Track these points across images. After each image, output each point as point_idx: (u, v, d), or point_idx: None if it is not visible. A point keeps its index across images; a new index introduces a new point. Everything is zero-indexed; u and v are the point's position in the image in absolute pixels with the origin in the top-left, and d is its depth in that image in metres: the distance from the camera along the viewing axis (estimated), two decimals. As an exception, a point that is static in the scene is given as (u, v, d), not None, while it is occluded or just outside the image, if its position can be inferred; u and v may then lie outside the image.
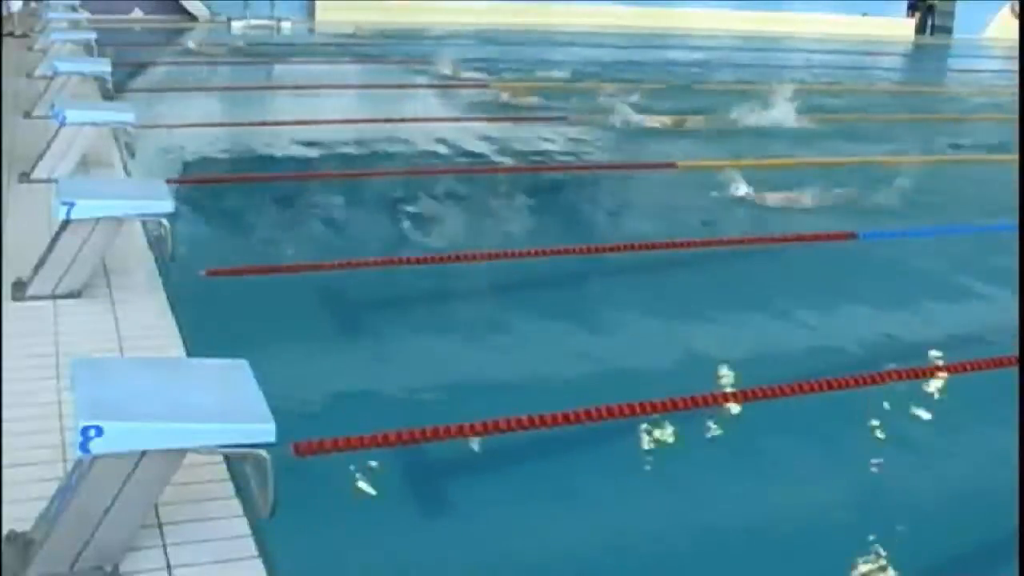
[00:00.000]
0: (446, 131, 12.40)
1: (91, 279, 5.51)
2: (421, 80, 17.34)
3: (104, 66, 10.59)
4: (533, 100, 14.99)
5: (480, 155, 11.27)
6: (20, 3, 17.65)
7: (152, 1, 26.18)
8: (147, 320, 5.22)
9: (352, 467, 4.42)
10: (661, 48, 25.17)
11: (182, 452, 3.11)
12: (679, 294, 7.17)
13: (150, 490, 3.12)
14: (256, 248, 7.56)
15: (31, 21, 17.39)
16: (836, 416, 5.24)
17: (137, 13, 26.00)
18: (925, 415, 5.39)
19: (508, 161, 11.15)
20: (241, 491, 3.51)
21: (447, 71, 17.46)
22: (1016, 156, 10.44)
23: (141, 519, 3.16)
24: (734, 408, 5.22)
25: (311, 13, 28.15)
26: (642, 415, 5.04)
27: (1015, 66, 20.10)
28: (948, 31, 34.05)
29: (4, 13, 16.63)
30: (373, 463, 4.47)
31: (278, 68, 18.75)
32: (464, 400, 5.18)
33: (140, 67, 16.35)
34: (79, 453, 2.95)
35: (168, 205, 5.44)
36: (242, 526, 3.38)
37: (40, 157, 7.84)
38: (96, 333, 4.99)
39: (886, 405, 5.40)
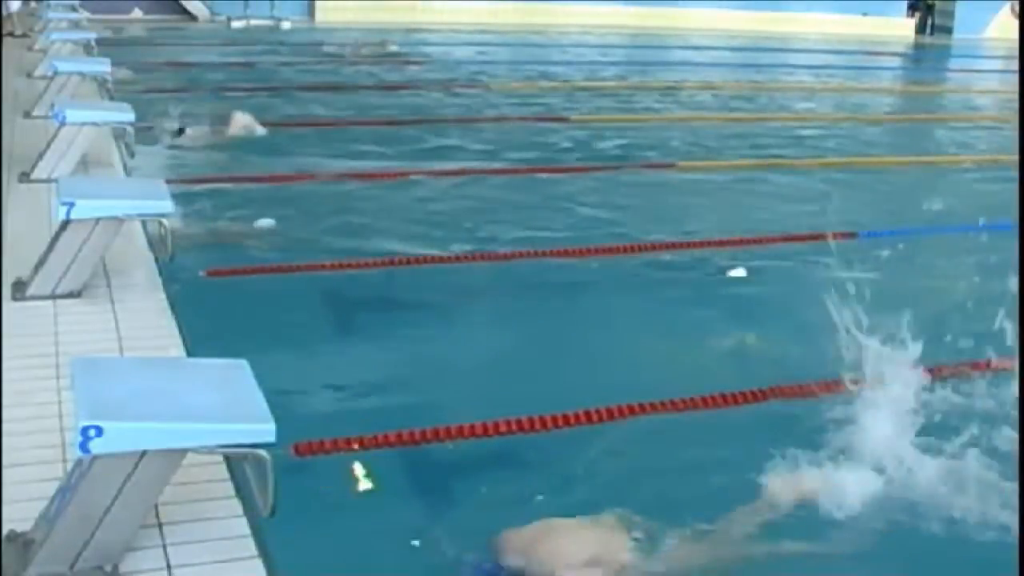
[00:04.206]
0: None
1: (91, 279, 5.51)
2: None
3: (104, 66, 10.58)
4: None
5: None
6: (20, 3, 17.63)
7: (152, 1, 26.17)
8: (147, 320, 5.23)
9: (352, 467, 4.43)
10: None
11: (182, 452, 3.11)
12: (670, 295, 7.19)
13: (150, 490, 3.12)
14: (256, 248, 7.55)
15: (31, 21, 17.38)
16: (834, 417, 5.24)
17: (137, 13, 25.99)
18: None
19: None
20: (241, 491, 3.51)
21: None
22: (1016, 156, 10.45)
23: (141, 519, 3.16)
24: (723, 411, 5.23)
25: (311, 13, 28.15)
26: (639, 416, 5.05)
27: (1015, 66, 20.10)
28: (948, 31, 34.01)
29: (4, 13, 16.62)
30: (373, 463, 4.48)
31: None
32: (464, 400, 5.18)
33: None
34: (79, 453, 2.95)
35: (168, 205, 5.44)
36: (242, 526, 3.39)
37: (40, 157, 7.84)
38: (96, 333, 4.99)
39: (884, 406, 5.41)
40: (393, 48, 21.12)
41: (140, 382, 3.26)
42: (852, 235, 8.42)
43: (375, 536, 3.99)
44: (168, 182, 5.98)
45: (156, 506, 3.27)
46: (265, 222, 8.18)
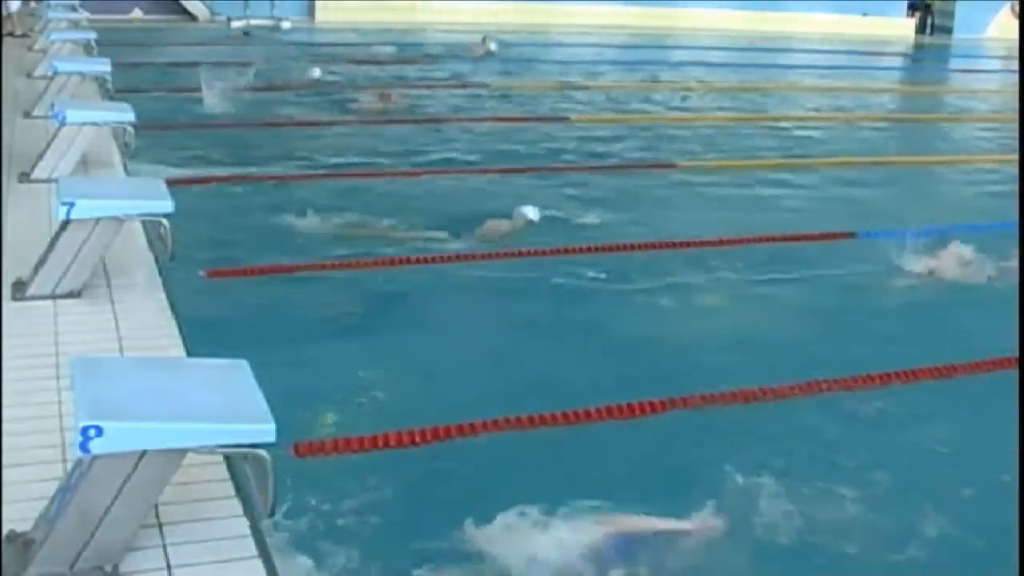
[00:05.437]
0: None
1: (91, 279, 5.50)
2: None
3: (104, 66, 10.58)
4: None
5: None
6: (20, 3, 17.62)
7: (152, 1, 26.16)
8: (147, 320, 5.22)
9: (352, 467, 4.43)
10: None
11: (182, 452, 3.11)
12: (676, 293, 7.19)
13: (150, 490, 3.12)
14: (256, 248, 7.55)
15: (31, 21, 17.37)
16: (836, 418, 5.26)
17: (137, 13, 25.99)
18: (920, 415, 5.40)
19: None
20: (241, 491, 3.51)
21: None
22: (1016, 156, 10.46)
23: (141, 519, 3.16)
24: (729, 409, 5.23)
25: (311, 13, 28.16)
26: (640, 415, 5.05)
27: (1015, 66, 20.11)
28: (948, 31, 34.02)
29: (4, 13, 16.61)
30: (373, 463, 4.48)
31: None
32: (464, 400, 5.17)
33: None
34: (79, 453, 2.95)
35: (168, 205, 5.43)
36: (242, 526, 3.38)
37: (40, 157, 7.83)
38: (96, 333, 4.99)
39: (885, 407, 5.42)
40: (492, 47, 21.35)
41: (140, 382, 3.25)
42: (852, 235, 8.44)
43: (374, 536, 3.99)
44: (169, 182, 5.97)
45: (156, 506, 3.27)
46: (528, 211, 8.21)
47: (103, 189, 6.01)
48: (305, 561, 3.68)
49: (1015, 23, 30.42)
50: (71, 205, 5.26)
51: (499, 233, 8.12)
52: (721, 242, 8.14)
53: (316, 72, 16.10)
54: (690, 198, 10.13)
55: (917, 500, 4.44)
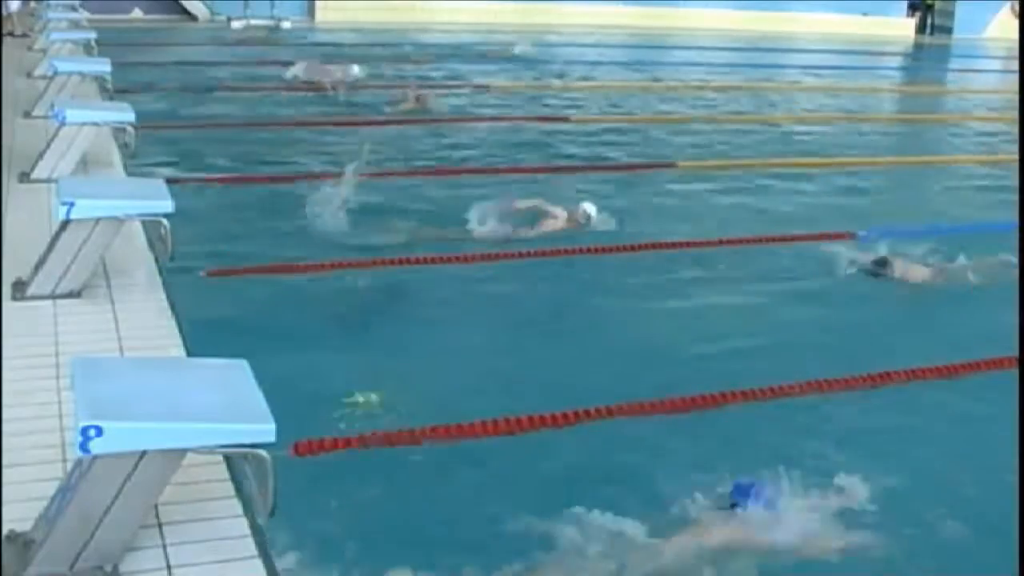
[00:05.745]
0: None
1: (91, 279, 5.51)
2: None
3: (104, 66, 10.58)
4: None
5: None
6: (20, 3, 17.62)
7: (152, 1, 26.16)
8: (147, 320, 5.23)
9: (352, 467, 4.43)
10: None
11: (182, 452, 3.11)
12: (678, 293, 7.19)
13: (150, 490, 3.12)
14: (256, 248, 7.55)
15: (31, 21, 17.37)
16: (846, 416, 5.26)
17: (137, 13, 26.00)
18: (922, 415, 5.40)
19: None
20: (241, 491, 3.51)
21: None
22: (1016, 156, 10.46)
23: (141, 519, 3.16)
24: (736, 406, 5.23)
25: (311, 13, 28.16)
26: (642, 414, 5.05)
27: (1015, 66, 20.11)
28: (948, 31, 34.03)
29: (4, 13, 16.61)
30: (373, 463, 4.48)
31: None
32: (465, 399, 5.17)
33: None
34: (79, 453, 2.96)
35: (168, 205, 5.44)
36: (242, 526, 3.39)
37: (40, 157, 7.84)
38: (96, 333, 4.99)
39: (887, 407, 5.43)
40: (518, 50, 21.44)
41: (140, 382, 3.26)
42: (852, 235, 8.43)
43: (375, 535, 3.99)
44: (169, 182, 5.97)
45: (156, 506, 3.27)
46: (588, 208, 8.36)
47: (103, 189, 6.02)
48: (305, 561, 3.68)
49: (1015, 23, 30.43)
50: (71, 205, 5.27)
51: (555, 229, 8.21)
52: (721, 242, 8.14)
53: (355, 69, 15.98)
54: (690, 198, 10.13)
55: (917, 499, 4.44)
